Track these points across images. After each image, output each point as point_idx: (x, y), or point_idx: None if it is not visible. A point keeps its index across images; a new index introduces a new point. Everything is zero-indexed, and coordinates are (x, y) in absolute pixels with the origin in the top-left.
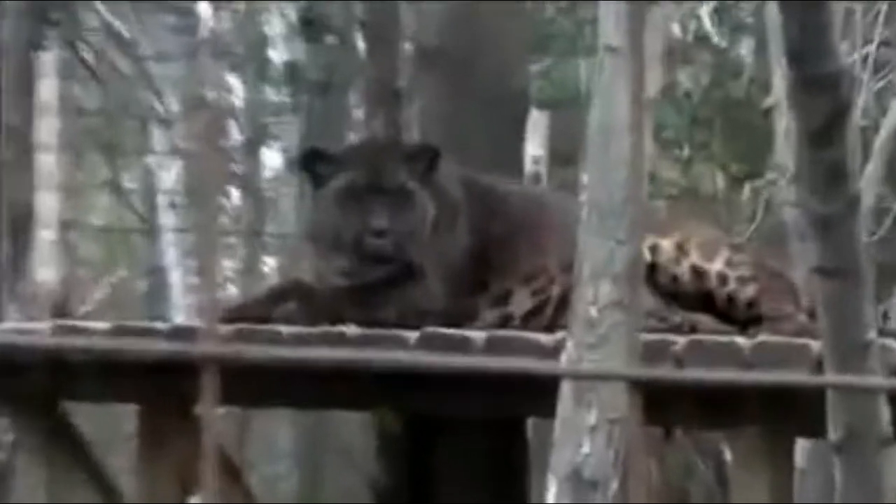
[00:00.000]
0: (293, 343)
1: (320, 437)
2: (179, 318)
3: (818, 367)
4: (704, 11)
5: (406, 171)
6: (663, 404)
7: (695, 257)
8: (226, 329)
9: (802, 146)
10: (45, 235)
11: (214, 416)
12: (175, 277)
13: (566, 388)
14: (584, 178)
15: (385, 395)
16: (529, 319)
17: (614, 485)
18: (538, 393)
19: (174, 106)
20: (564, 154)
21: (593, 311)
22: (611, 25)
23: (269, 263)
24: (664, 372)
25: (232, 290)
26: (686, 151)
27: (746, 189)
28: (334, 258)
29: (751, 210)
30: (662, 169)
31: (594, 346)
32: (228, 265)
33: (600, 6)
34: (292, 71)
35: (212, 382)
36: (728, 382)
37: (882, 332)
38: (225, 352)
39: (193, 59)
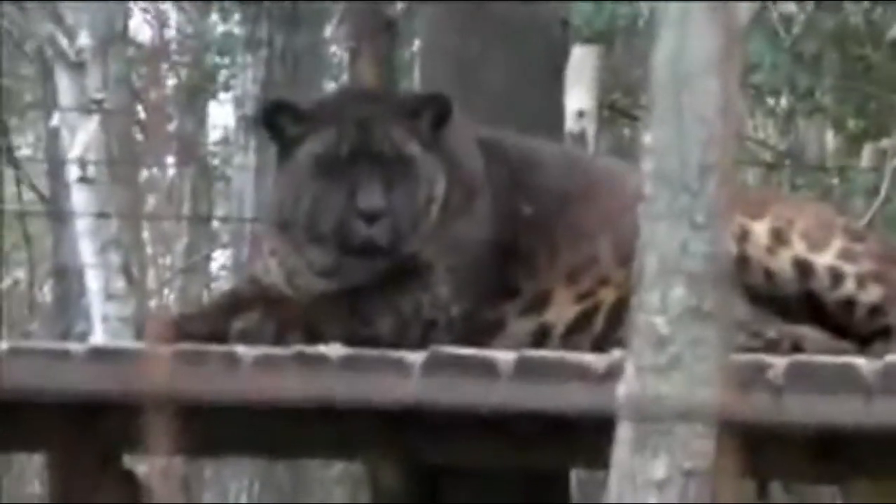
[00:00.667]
0: (256, 369)
1: (294, 496)
2: (99, 335)
3: None
4: None
5: (405, 130)
6: (756, 449)
7: (798, 247)
8: (162, 350)
9: None
10: None
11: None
12: (92, 278)
13: (624, 429)
14: (648, 138)
15: (381, 438)
16: (574, 333)
17: None
18: (585, 435)
19: (87, 42)
20: (620, 106)
21: (661, 323)
22: None
23: (221, 259)
24: (767, 408)
25: (171, 296)
26: (785, 101)
27: (867, 152)
28: (309, 251)
29: (873, 181)
30: (754, 126)
31: (663, 371)
32: (166, 261)
33: None
34: None
35: (159, 424)
36: (845, 421)
37: None
38: (176, 389)
39: None
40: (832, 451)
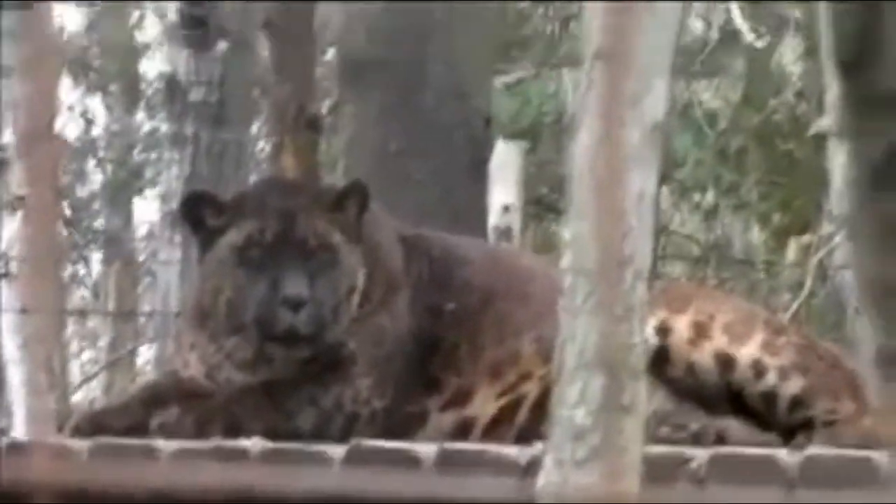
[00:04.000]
0: (173, 463)
1: None
2: (20, 431)
3: (889, 488)
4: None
5: (328, 221)
6: None
7: (720, 340)
8: (80, 444)
9: (857, 188)
10: None
11: None
12: (15, 374)
13: None
14: (567, 233)
15: None
16: (497, 427)
17: None
18: None
19: (8, 139)
20: (547, 201)
21: (580, 416)
22: (599, 22)
23: (145, 354)
24: (689, 500)
25: (94, 390)
26: (709, 196)
27: (792, 247)
28: (229, 343)
29: (797, 276)
30: (680, 221)
31: (582, 464)
32: (89, 356)
33: None
34: (172, 89)
35: None
36: None
37: None
38: (94, 482)
39: (34, 72)
40: None
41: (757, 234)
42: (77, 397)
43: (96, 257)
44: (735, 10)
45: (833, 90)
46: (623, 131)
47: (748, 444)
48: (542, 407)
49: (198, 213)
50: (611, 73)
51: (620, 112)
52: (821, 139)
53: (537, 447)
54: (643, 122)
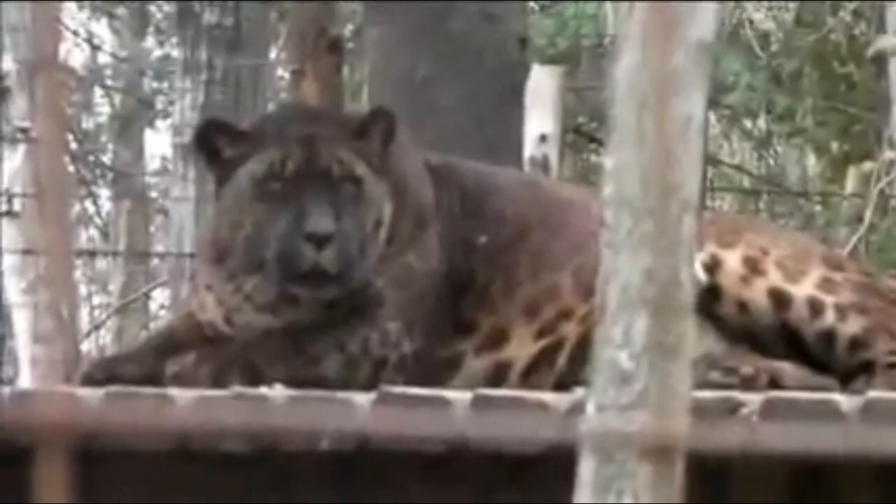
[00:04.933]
0: (190, 412)
1: None
2: (26, 379)
3: None
4: None
5: (353, 150)
6: (728, 490)
7: (774, 276)
8: (90, 394)
9: None
10: None
11: None
12: (20, 319)
13: (586, 470)
14: (608, 161)
15: (325, 484)
16: (535, 371)
17: None
18: (545, 477)
19: (11, 67)
20: (586, 130)
21: (624, 358)
22: None
23: (159, 298)
24: (739, 447)
25: (105, 336)
26: (761, 123)
27: (851, 176)
28: (248, 284)
29: (856, 207)
30: (730, 150)
31: (627, 409)
32: (98, 300)
33: None
34: (184, 12)
35: (54, 466)
36: (824, 458)
37: None
38: (105, 433)
39: None
40: (810, 488)
41: (813, 164)
42: (86, 345)
43: (105, 194)
44: None
45: (894, 8)
46: (668, 52)
47: (804, 389)
48: (582, 350)
49: (213, 143)
50: None
51: (665, 31)
52: (881, 60)
53: (578, 392)
54: (689, 42)
